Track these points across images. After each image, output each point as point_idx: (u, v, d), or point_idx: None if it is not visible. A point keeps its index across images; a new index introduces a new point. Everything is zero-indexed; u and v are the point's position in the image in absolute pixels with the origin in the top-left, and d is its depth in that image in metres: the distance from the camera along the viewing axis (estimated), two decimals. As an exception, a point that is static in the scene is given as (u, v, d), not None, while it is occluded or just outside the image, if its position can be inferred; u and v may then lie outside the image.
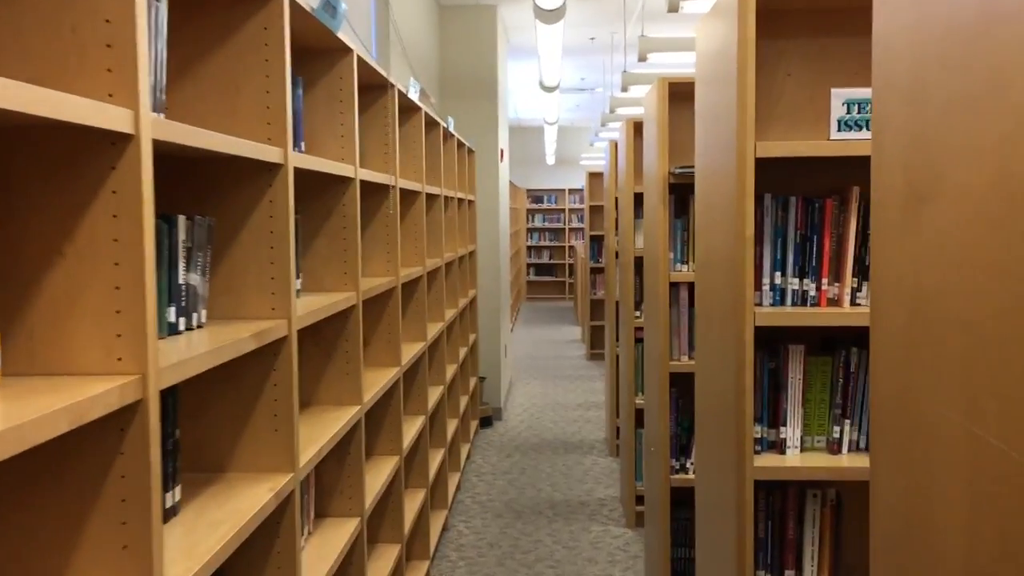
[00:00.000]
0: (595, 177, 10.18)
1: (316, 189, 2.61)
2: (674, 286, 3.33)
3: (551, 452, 6.22)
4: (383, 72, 3.05)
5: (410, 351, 3.69)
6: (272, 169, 1.94)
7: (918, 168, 0.96)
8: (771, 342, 2.07)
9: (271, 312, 1.93)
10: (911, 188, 0.97)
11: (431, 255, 4.59)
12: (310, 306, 2.21)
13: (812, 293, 2.02)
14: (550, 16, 4.46)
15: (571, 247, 17.89)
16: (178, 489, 1.66)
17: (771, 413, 2.05)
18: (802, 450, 2.04)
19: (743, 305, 1.92)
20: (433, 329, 4.34)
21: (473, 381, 6.48)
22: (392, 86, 3.25)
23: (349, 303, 2.53)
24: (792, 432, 2.02)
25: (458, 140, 5.56)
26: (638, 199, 4.73)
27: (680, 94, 3.46)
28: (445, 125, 4.85)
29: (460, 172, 5.91)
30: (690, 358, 3.36)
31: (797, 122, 2.13)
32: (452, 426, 5.13)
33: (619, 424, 5.94)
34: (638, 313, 4.75)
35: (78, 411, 1.09)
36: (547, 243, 18.14)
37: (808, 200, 2.03)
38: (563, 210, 18.11)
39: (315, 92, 2.58)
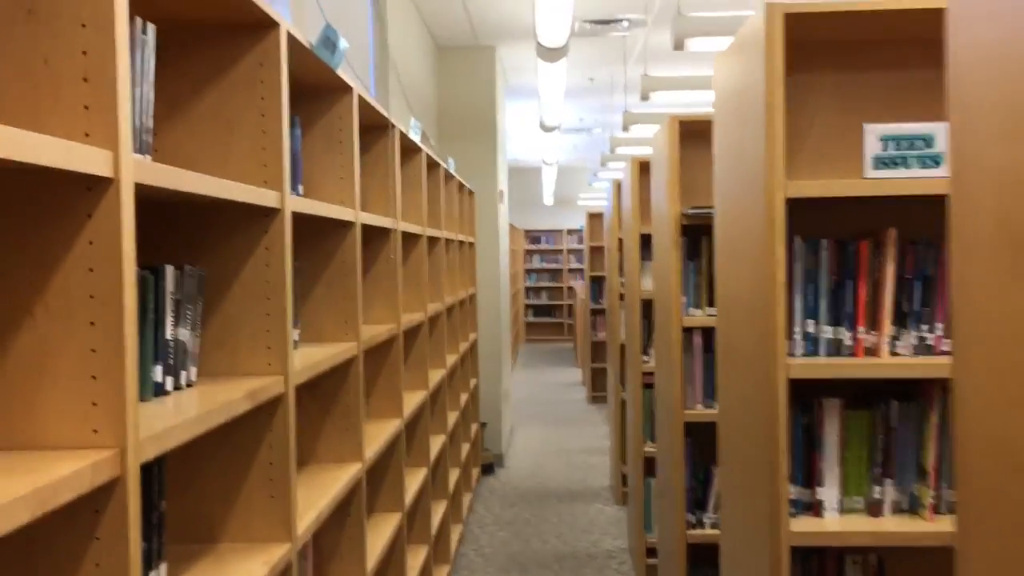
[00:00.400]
0: (595, 218, 10.09)
1: (314, 234, 2.48)
2: (687, 331, 3.19)
3: (555, 500, 6.04)
4: (384, 112, 2.93)
5: (412, 400, 3.54)
6: (268, 214, 1.83)
7: (1018, 212, 0.82)
8: (803, 394, 1.93)
9: (267, 368, 1.80)
10: (1009, 235, 0.84)
11: (433, 299, 4.45)
12: (309, 359, 2.07)
13: (847, 342, 1.88)
14: (552, 55, 4.37)
15: (570, 288, 17.77)
16: (163, 568, 1.49)
17: (806, 472, 1.90)
18: (841, 512, 1.89)
19: (775, 356, 1.78)
20: (435, 376, 4.19)
21: (475, 427, 6.31)
22: (393, 126, 3.13)
23: (349, 354, 2.39)
24: (830, 493, 1.87)
25: (458, 182, 5.45)
26: (644, 240, 4.61)
27: (691, 133, 3.35)
28: (446, 166, 4.74)
29: (461, 214, 5.80)
30: (706, 406, 3.21)
31: (826, 160, 2.01)
32: (454, 476, 4.96)
33: (626, 471, 5.77)
34: (646, 357, 4.61)
35: (42, 497, 0.94)
36: (545, 284, 18.03)
37: (841, 243, 1.90)
38: (561, 251, 18.03)
39: (313, 132, 2.47)
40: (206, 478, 1.76)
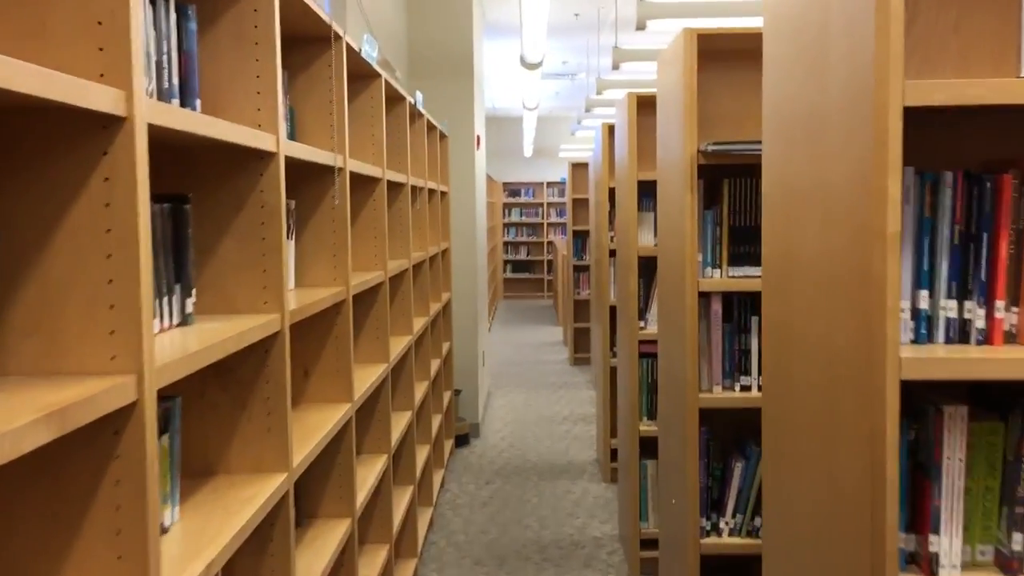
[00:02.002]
0: (579, 168, 9.43)
1: (223, 166, 1.84)
2: (704, 296, 2.59)
3: (536, 477, 5.48)
4: (324, 16, 2.28)
5: (368, 377, 2.93)
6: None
7: None
8: (906, 395, 1.33)
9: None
10: None
11: (395, 255, 3.82)
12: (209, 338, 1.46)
13: (979, 324, 1.29)
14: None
15: (550, 243, 17.15)
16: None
17: (912, 510, 1.31)
18: (963, 568, 1.31)
19: (880, 348, 1.18)
20: (398, 345, 3.58)
21: (447, 396, 5.72)
22: (339, 38, 2.48)
23: (269, 330, 1.78)
24: (950, 543, 1.29)
25: (428, 121, 4.79)
26: (641, 188, 3.99)
27: (712, 52, 2.72)
28: (412, 101, 4.08)
29: (431, 159, 5.14)
30: (725, 388, 2.62)
31: (958, 58, 1.38)
32: (423, 455, 4.37)
33: (615, 446, 5.22)
34: (642, 323, 4.02)
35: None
36: (524, 239, 17.39)
37: (972, 177, 1.29)
38: (541, 204, 17.36)
39: (217, 29, 1.82)
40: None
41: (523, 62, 6.56)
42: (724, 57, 2.77)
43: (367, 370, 3.07)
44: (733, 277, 2.60)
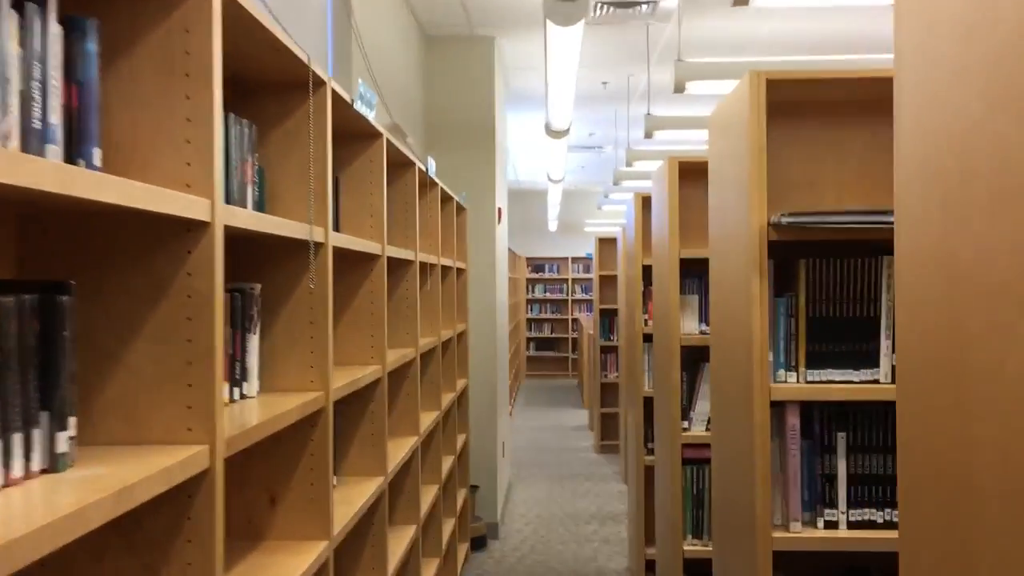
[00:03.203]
0: (606, 243, 8.96)
1: (126, 242, 1.34)
2: (777, 407, 2.05)
3: (561, 590, 4.86)
4: (300, 53, 1.81)
5: (359, 495, 2.40)
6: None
7: None
8: None
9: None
10: None
11: (399, 343, 3.31)
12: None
13: None
14: (568, 14, 3.27)
15: (575, 320, 16.62)
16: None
17: None
18: None
19: None
20: (400, 450, 3.04)
21: (463, 495, 5.14)
22: (323, 83, 2.01)
23: (190, 470, 1.26)
24: None
25: (443, 191, 4.33)
26: (684, 267, 3.48)
27: (773, 106, 2.23)
28: (423, 167, 3.62)
29: (446, 233, 4.67)
30: (806, 525, 2.06)
31: None
32: (431, 571, 3.79)
33: (652, 556, 4.60)
34: (686, 423, 3.46)
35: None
36: (548, 315, 16.87)
37: None
38: (566, 280, 16.88)
39: (132, 56, 1.34)
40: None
41: (548, 130, 6.13)
42: (790, 111, 2.27)
43: (359, 486, 2.53)
44: (812, 383, 2.06)
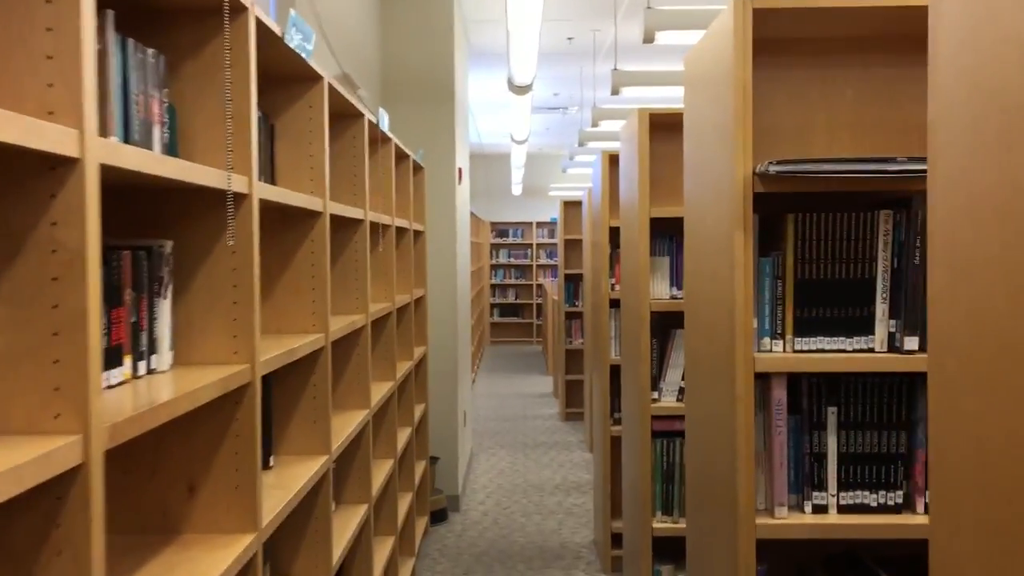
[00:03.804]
0: (571, 207, 8.72)
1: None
2: (762, 379, 1.83)
3: (524, 566, 4.66)
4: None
5: (300, 475, 2.16)
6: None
7: None
8: None
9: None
10: None
11: (345, 309, 3.06)
12: None
13: None
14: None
15: (539, 286, 16.40)
16: None
17: None
18: None
19: None
20: (349, 424, 2.80)
21: (421, 467, 4.92)
22: (246, 9, 1.74)
23: (56, 468, 1.01)
24: None
25: (397, 147, 4.05)
26: (654, 227, 3.25)
27: (759, 44, 1.99)
28: (374, 120, 3.34)
29: (401, 192, 4.40)
30: (792, 509, 1.85)
31: None
32: (386, 548, 3.57)
33: (618, 529, 4.42)
34: (655, 394, 3.25)
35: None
36: (513, 281, 16.63)
37: None
38: (530, 245, 16.64)
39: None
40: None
41: (511, 85, 5.84)
42: (775, 50, 2.04)
43: (298, 466, 2.29)
44: (801, 351, 1.84)
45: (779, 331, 1.85)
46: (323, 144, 2.41)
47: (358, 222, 3.06)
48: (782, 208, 1.90)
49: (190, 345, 1.73)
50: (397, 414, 4.11)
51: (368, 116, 3.15)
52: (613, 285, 4.59)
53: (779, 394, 1.83)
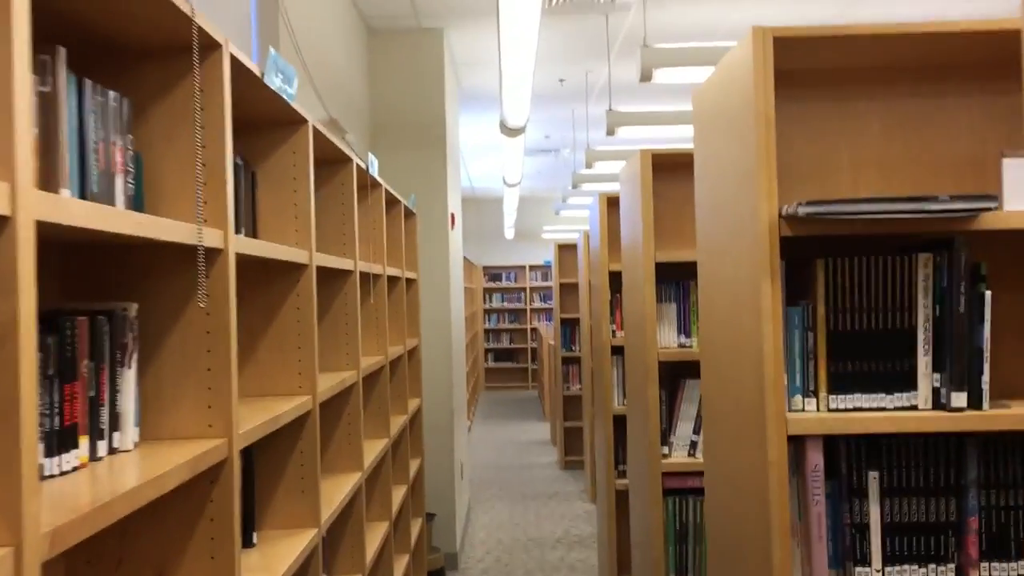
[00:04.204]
0: (566, 250, 8.58)
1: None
2: (796, 442, 1.65)
3: (528, 629, 4.43)
4: (182, 2, 1.38)
5: (284, 557, 1.97)
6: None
7: None
8: None
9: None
10: None
11: (335, 365, 2.88)
12: None
13: None
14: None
15: (534, 330, 16.23)
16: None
17: None
18: None
19: None
20: (340, 490, 2.61)
21: (418, 526, 4.70)
22: (220, 47, 1.59)
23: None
24: None
25: (388, 192, 3.90)
26: (660, 272, 3.09)
27: (784, 77, 1.85)
28: (363, 165, 3.19)
29: (392, 240, 4.24)
30: (832, 588, 1.67)
31: None
32: (381, 621, 3.35)
33: (624, 591, 4.20)
34: (665, 448, 3.07)
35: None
36: (507, 325, 16.45)
37: None
38: (524, 289, 16.48)
39: None
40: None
41: (504, 127, 5.72)
42: (794, 82, 1.89)
43: (284, 542, 2.10)
44: (837, 410, 1.67)
45: (811, 388, 1.68)
46: (308, 191, 2.25)
47: (347, 273, 2.90)
48: (809, 252, 1.74)
49: (160, 418, 1.55)
50: (392, 472, 3.91)
51: (357, 161, 3.00)
52: (614, 331, 4.42)
53: (815, 459, 1.65)
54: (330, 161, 2.87)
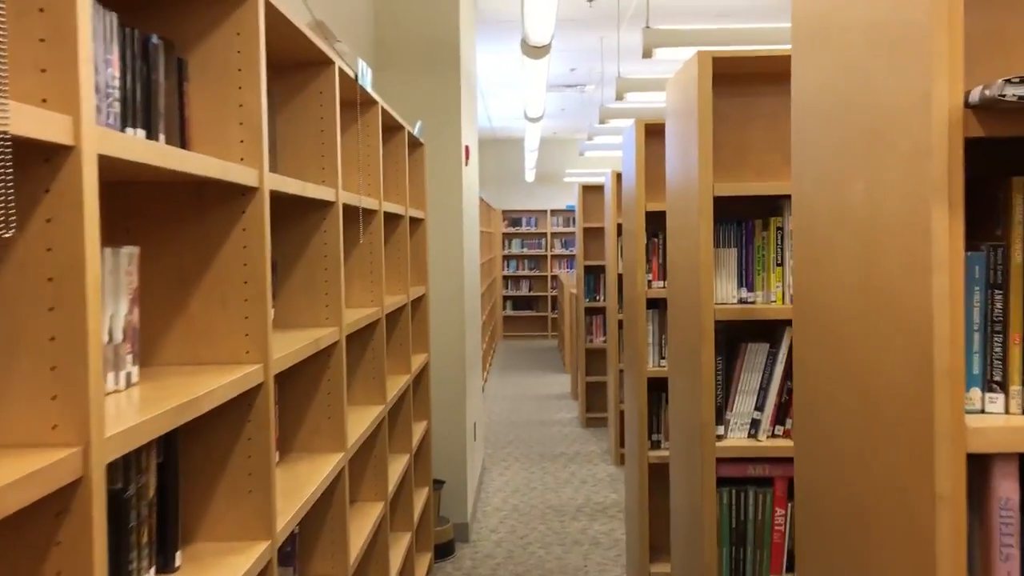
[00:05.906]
0: (591, 192, 7.94)
1: None
2: (975, 462, 1.07)
3: (545, 616, 3.92)
4: None
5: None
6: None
7: None
8: None
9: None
10: None
11: (307, 321, 2.30)
12: None
13: None
14: None
15: (554, 277, 15.63)
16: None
17: None
18: None
19: None
20: (321, 471, 2.04)
21: (423, 496, 4.17)
22: None
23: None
24: None
25: (387, 113, 3.28)
26: (718, 210, 2.48)
27: None
28: (350, 71, 2.57)
29: (394, 172, 3.64)
30: None
31: None
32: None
33: (661, 574, 3.67)
34: (720, 428, 2.49)
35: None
36: (526, 272, 15.86)
37: None
38: (545, 234, 15.85)
39: None
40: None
41: (525, 46, 5.05)
42: None
43: (241, 554, 1.54)
44: None
45: (997, 378, 1.08)
46: (259, 91, 1.64)
47: (327, 205, 2.30)
48: (991, 170, 1.13)
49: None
50: (389, 442, 3.36)
51: (340, 64, 2.39)
52: (650, 282, 3.83)
53: (1006, 489, 1.06)
54: (302, 62, 2.26)
